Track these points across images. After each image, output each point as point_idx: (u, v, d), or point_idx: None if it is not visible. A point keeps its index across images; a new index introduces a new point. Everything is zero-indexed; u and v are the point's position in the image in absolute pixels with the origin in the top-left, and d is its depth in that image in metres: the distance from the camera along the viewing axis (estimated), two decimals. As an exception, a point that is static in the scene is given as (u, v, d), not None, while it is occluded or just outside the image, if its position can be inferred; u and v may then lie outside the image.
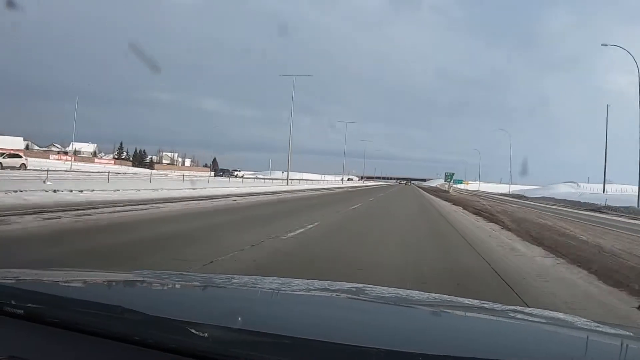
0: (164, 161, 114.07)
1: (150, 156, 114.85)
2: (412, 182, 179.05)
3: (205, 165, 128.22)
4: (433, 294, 1.79)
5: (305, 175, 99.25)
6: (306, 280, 1.88)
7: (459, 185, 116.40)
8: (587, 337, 1.33)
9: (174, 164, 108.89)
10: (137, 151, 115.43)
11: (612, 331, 1.40)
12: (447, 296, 1.82)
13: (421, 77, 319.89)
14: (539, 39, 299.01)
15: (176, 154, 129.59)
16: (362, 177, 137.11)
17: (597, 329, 1.40)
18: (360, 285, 1.82)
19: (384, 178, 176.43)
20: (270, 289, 1.71)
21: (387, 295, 1.73)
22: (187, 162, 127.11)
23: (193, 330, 0.94)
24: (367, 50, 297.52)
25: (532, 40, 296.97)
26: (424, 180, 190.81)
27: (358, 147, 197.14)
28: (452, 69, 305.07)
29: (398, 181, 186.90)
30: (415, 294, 1.74)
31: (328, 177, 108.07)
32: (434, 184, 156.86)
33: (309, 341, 0.94)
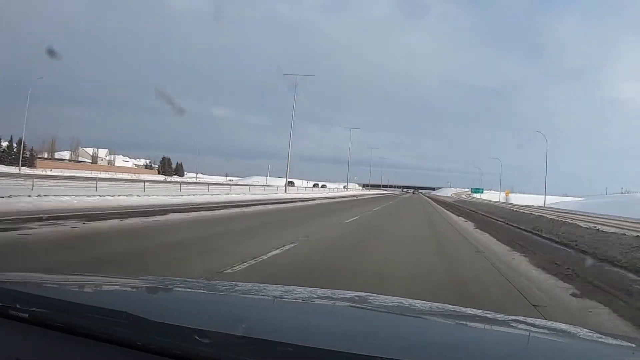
0: (58, 157, 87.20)
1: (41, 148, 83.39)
2: (420, 190, 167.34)
3: (146, 166, 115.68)
4: (436, 304, 1.77)
5: (300, 182, 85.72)
6: (309, 288, 1.87)
7: (479, 195, 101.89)
8: (589, 348, 1.32)
9: (73, 161, 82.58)
10: (10, 142, 78.64)
11: (615, 342, 1.38)
12: (450, 305, 1.79)
13: (429, 86, 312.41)
14: (548, 48, 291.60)
15: (96, 149, 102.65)
16: (345, 187, 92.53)
17: (599, 339, 1.39)
18: (363, 294, 1.81)
19: (387, 186, 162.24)
20: (274, 296, 1.71)
21: (390, 304, 1.72)
22: (116, 160, 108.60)
23: (197, 337, 0.95)
24: (375, 58, 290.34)
25: (541, 49, 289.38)
26: (433, 189, 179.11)
27: (362, 155, 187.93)
28: (460, 78, 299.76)
29: (403, 189, 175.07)
30: (419, 304, 1.72)
31: (330, 185, 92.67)
32: (447, 192, 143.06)
33: (312, 349, 0.94)
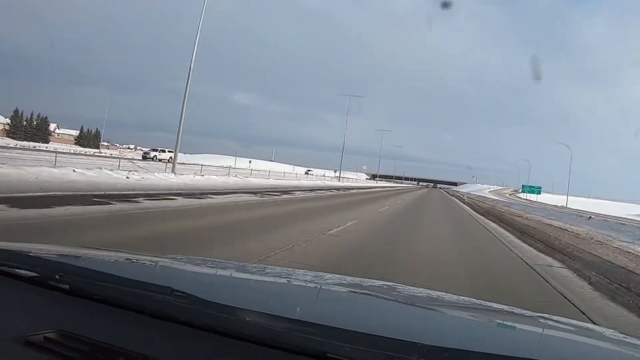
0: None
1: None
2: (439, 185, 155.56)
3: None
4: (463, 297, 1.79)
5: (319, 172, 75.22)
6: (338, 275, 1.88)
7: (530, 196, 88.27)
8: (615, 349, 1.32)
9: None
10: None
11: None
12: (477, 300, 1.79)
13: (453, 81, 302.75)
14: (575, 48, 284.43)
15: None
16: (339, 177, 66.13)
17: (625, 340, 1.38)
18: (391, 283, 1.82)
19: (403, 178, 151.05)
20: (305, 280, 1.74)
21: (418, 295, 1.74)
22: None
23: (239, 315, 0.97)
24: (398, 50, 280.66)
25: (567, 49, 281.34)
26: (455, 184, 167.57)
27: (377, 145, 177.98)
28: (485, 75, 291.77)
29: (419, 183, 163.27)
30: (447, 296, 1.73)
31: (350, 174, 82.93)
32: (474, 189, 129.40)
33: (350, 332, 0.94)
